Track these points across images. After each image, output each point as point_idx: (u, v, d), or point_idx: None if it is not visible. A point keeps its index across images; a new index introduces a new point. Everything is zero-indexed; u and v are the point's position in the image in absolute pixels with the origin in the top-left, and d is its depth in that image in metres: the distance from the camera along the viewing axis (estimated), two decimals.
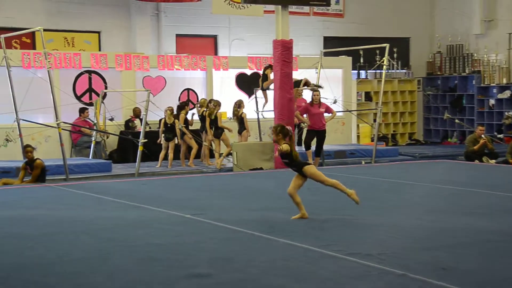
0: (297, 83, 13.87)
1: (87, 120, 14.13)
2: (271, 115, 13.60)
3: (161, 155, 13.28)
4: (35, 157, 10.85)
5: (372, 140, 15.51)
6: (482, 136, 14.25)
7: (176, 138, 13.25)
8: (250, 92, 15.62)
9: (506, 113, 18.02)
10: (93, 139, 13.64)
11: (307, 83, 14.27)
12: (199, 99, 14.58)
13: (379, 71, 17.97)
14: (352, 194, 7.09)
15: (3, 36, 12.32)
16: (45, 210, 7.96)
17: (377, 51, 17.44)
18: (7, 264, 5.43)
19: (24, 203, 8.56)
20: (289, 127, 7.20)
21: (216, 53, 17.40)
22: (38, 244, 6.12)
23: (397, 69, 19.48)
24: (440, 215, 7.42)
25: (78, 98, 14.44)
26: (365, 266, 5.20)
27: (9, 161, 12.26)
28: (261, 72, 16.14)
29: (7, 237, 6.48)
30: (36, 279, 4.98)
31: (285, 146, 7.00)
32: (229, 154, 13.19)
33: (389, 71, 18.45)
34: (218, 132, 13.31)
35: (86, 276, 5.05)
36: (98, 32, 16.34)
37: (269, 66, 14.16)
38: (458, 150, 15.71)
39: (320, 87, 14.07)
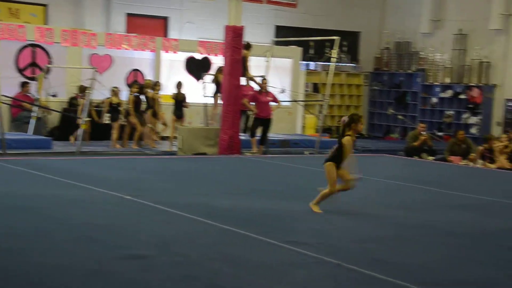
0: None
1: (28, 94, 13.75)
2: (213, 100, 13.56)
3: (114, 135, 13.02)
4: None
5: (317, 132, 15.68)
6: (423, 133, 14.62)
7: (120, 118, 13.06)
8: (199, 76, 15.51)
9: (447, 112, 18.53)
10: (33, 115, 13.29)
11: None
12: (145, 80, 14.42)
13: (328, 63, 18.15)
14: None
15: None
16: None
17: (328, 43, 17.60)
18: None
19: None
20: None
21: (166, 35, 17.19)
22: None
23: (346, 62, 19.70)
24: (374, 208, 7.60)
25: (20, 71, 14.02)
26: (302, 254, 5.28)
27: None
28: (210, 57, 16.10)
29: None
30: None
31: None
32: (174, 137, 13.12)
33: (338, 64, 18.63)
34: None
35: (21, 252, 4.94)
36: (45, 5, 15.86)
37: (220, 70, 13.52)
38: (399, 145, 16.05)
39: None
